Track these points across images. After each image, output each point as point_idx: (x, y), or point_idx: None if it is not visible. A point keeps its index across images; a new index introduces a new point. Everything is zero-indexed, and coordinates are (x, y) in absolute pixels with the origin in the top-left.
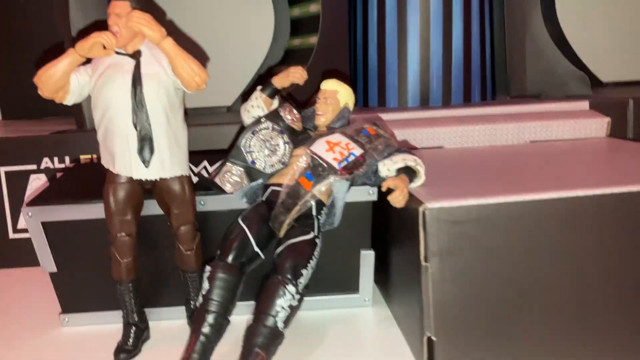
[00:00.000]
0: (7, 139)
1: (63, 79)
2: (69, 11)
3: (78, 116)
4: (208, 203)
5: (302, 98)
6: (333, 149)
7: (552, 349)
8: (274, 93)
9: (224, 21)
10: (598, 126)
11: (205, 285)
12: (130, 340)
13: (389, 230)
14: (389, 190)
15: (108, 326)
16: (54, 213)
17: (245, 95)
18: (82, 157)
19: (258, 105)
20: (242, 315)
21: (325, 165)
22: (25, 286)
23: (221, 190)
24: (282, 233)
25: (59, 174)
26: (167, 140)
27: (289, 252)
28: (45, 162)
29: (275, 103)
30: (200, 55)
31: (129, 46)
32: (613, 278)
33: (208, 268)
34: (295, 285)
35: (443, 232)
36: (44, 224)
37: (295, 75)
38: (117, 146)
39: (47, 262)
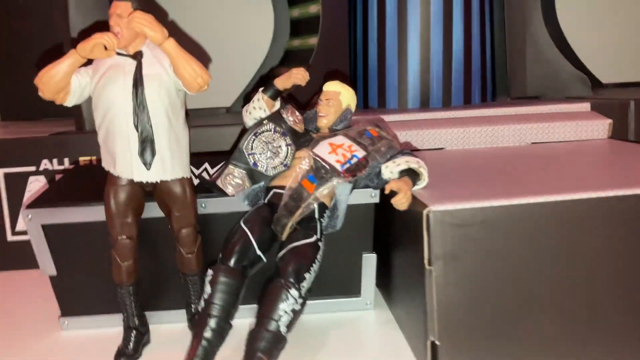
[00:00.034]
0: (6, 140)
1: (64, 80)
2: (69, 12)
3: (77, 118)
4: (209, 205)
5: (301, 99)
6: (336, 151)
7: (557, 352)
8: (276, 94)
9: (223, 22)
10: (600, 128)
11: (207, 289)
12: (131, 344)
13: (391, 232)
14: (391, 193)
15: (108, 330)
16: (54, 216)
17: (245, 96)
18: (81, 159)
19: (260, 107)
20: (244, 318)
21: (328, 167)
22: (23, 289)
23: (223, 193)
24: (284, 236)
25: (58, 176)
26: (169, 142)
27: (292, 256)
28: (44, 164)
29: (277, 105)
30: (202, 56)
31: (131, 47)
32: (619, 280)
33: (210, 272)
34: (298, 289)
35: (447, 235)
36: (44, 227)
37: (298, 76)
38: (118, 148)
39: (47, 265)
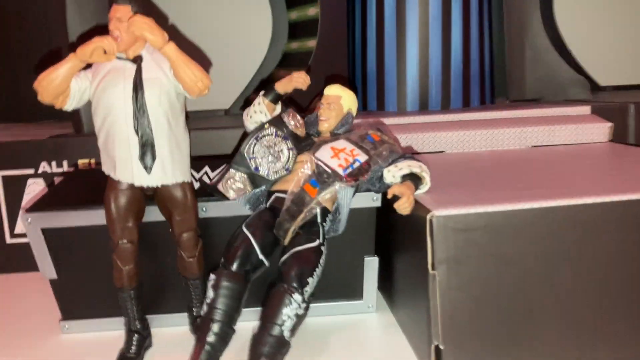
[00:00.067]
0: (5, 143)
1: (64, 84)
2: (66, 16)
3: (76, 120)
4: (210, 209)
5: (300, 102)
6: (338, 155)
7: (561, 358)
8: (277, 98)
9: (221, 24)
10: (600, 131)
11: (210, 293)
12: (133, 347)
13: (393, 236)
14: (394, 197)
15: (109, 333)
16: (54, 219)
17: (244, 99)
18: (80, 161)
19: (261, 111)
20: (247, 321)
21: (330, 172)
22: (23, 292)
23: (224, 197)
24: (287, 240)
25: (57, 179)
26: (169, 146)
27: (295, 260)
28: (43, 167)
29: (278, 108)
30: (202, 60)
31: (130, 51)
32: (623, 284)
33: (212, 276)
34: (302, 294)
35: (450, 239)
36: (44, 230)
37: (299, 80)
38: (118, 152)
39: (47, 268)
